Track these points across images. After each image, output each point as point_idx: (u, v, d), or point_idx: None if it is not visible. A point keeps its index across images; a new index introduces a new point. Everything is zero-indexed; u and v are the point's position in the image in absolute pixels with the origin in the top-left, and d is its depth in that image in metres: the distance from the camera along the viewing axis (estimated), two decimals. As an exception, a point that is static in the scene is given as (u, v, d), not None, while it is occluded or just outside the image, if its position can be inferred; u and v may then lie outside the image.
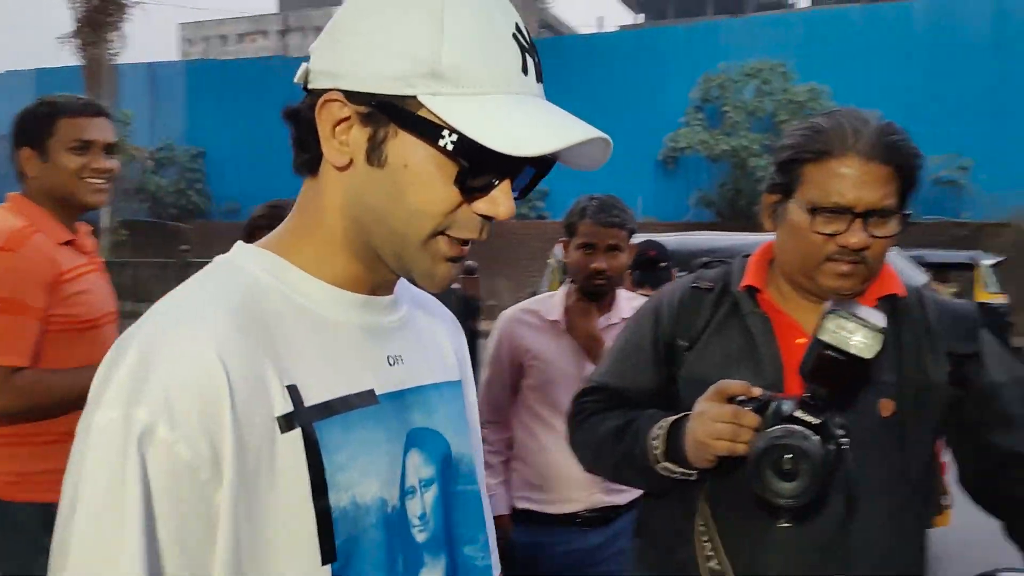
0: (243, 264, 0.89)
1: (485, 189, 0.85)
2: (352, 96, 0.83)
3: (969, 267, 12.34)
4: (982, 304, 11.87)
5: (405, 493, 0.92)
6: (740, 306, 1.52)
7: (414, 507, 0.93)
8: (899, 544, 1.42)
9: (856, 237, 1.38)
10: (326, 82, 0.85)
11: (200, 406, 0.77)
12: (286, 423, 0.82)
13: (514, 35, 0.85)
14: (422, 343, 1.01)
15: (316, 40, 0.88)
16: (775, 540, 1.39)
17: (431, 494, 0.96)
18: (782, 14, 27.45)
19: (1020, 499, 1.44)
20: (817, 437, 1.23)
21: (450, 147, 0.81)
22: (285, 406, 0.82)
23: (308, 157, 0.89)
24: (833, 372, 1.23)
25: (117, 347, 0.81)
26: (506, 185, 0.85)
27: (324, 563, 0.82)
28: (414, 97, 0.81)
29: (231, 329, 0.81)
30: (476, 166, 0.82)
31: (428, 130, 0.82)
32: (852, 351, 1.20)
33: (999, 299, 12.11)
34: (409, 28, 0.82)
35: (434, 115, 0.81)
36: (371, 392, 0.90)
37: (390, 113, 0.82)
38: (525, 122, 0.81)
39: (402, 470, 0.91)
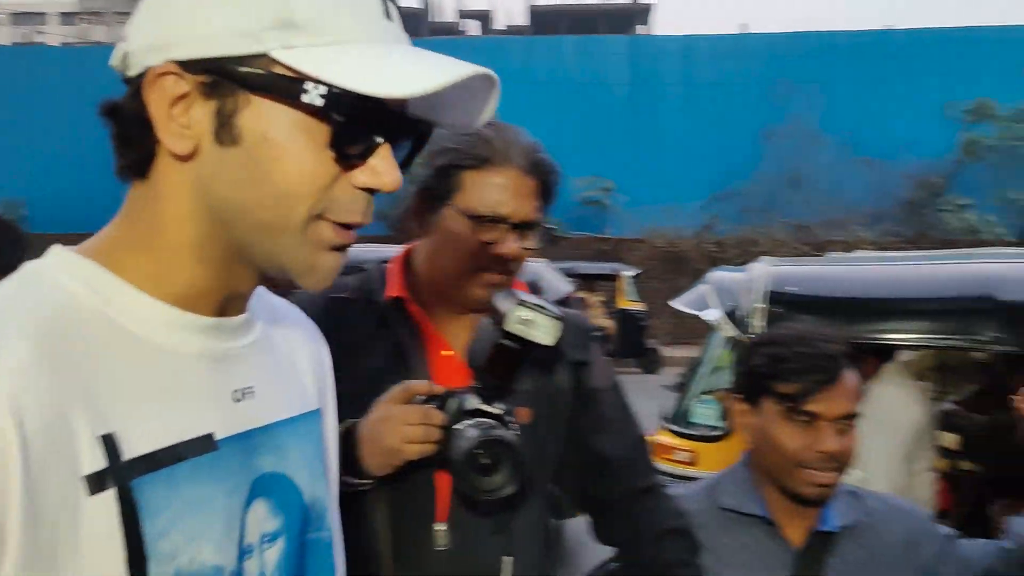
0: (57, 276, 0.71)
1: (363, 155, 0.72)
2: (188, 65, 0.68)
3: (612, 278, 13.77)
4: (624, 311, 13.39)
5: (243, 553, 0.76)
6: (387, 318, 1.44)
7: (252, 567, 0.77)
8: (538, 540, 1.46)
9: (512, 247, 1.37)
10: (153, 58, 0.69)
11: None
12: (96, 483, 0.64)
13: None
14: (278, 368, 0.85)
15: (132, 17, 0.74)
16: (435, 537, 1.36)
17: (275, 549, 0.80)
18: (452, 39, 28.54)
19: (603, 499, 1.54)
20: (506, 428, 1.23)
21: (318, 101, 0.68)
22: (96, 462, 0.65)
23: (136, 156, 0.73)
24: (509, 363, 1.24)
25: None
26: (387, 151, 0.73)
27: None
28: (264, 55, 0.68)
29: (30, 363, 0.63)
30: (351, 124, 0.69)
31: (288, 88, 0.68)
32: (536, 339, 1.21)
33: (638, 306, 13.69)
34: None
35: (292, 70, 0.68)
36: (209, 437, 0.73)
37: (237, 78, 0.68)
38: (401, 64, 0.70)
39: (241, 527, 0.75)
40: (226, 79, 0.69)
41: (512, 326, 1.21)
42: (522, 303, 1.22)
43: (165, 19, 0.70)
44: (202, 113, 0.70)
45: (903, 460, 2.92)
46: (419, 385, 1.26)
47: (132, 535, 0.66)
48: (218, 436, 0.74)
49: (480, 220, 1.36)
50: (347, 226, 0.74)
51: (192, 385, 0.74)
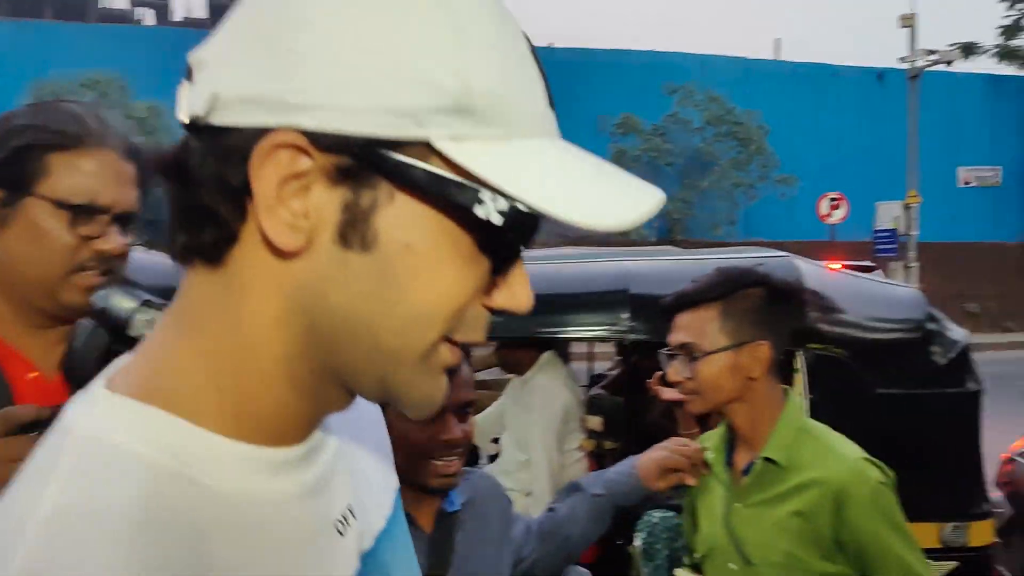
0: (128, 446, 0.52)
1: (504, 272, 0.56)
2: (318, 139, 0.50)
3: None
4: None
5: None
6: None
7: None
8: None
9: (115, 242, 1.18)
10: (266, 116, 0.50)
11: None
12: None
13: (532, 53, 0.56)
14: (358, 472, 0.68)
15: (219, 43, 0.53)
16: None
17: None
18: (127, 27, 26.37)
19: None
20: None
21: (495, 217, 0.50)
22: None
23: (210, 238, 0.53)
24: None
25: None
26: (521, 265, 0.57)
27: None
28: (424, 143, 0.51)
29: (152, 567, 0.48)
30: (510, 238, 0.53)
31: (454, 192, 0.51)
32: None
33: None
34: (423, 35, 0.51)
35: (459, 169, 0.51)
36: None
37: (385, 167, 0.50)
38: (584, 178, 0.53)
39: None
40: (369, 166, 0.50)
41: (138, 330, 1.06)
42: (147, 303, 1.08)
43: (293, 68, 0.50)
44: (326, 202, 0.51)
45: (557, 442, 3.14)
46: (23, 411, 1.01)
47: None
48: None
49: (75, 211, 1.14)
50: (468, 344, 0.58)
51: (302, 535, 0.58)
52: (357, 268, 0.52)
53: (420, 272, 0.52)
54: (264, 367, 0.54)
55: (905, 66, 18.12)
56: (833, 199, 17.09)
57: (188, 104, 0.53)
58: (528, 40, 0.56)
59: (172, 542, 0.50)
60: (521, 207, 0.50)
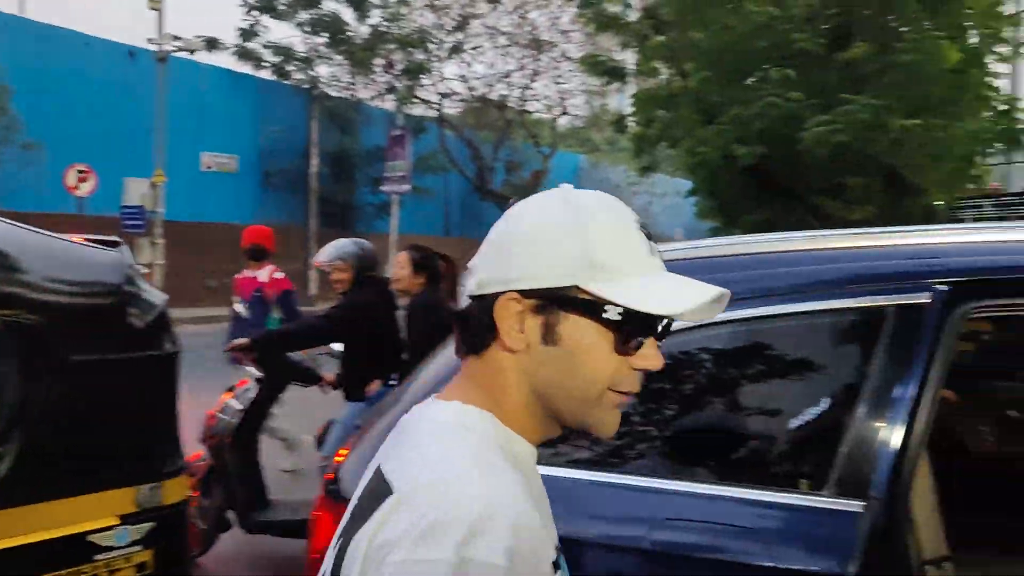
0: (483, 426, 0.97)
1: (639, 347, 0.97)
2: (525, 293, 0.96)
3: None
4: None
5: None
6: None
7: None
8: None
9: None
10: (498, 287, 0.97)
11: (533, 561, 0.85)
12: (554, 567, 0.91)
13: (639, 227, 1.00)
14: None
15: (477, 257, 1.02)
16: None
17: None
18: None
19: None
20: None
21: (615, 317, 0.94)
22: (551, 553, 0.92)
23: (478, 344, 1.00)
24: None
25: (432, 491, 0.86)
26: (653, 341, 0.98)
27: None
28: (576, 286, 0.95)
29: (523, 487, 0.91)
30: (634, 330, 0.95)
31: (594, 308, 0.95)
32: None
33: None
34: (565, 239, 0.96)
35: (596, 296, 0.94)
36: (558, 547, 0.98)
37: (559, 301, 0.95)
38: (667, 289, 0.96)
39: None
40: (551, 302, 0.95)
41: None
42: None
43: (509, 262, 0.97)
44: (533, 324, 0.96)
45: None
46: None
47: None
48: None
49: None
50: (627, 393, 0.99)
51: (547, 503, 1.04)
52: (553, 356, 0.97)
53: (586, 354, 0.96)
54: (521, 407, 0.99)
55: (153, 48, 17.99)
56: (81, 171, 16.11)
57: (468, 287, 1.01)
58: (637, 219, 1.01)
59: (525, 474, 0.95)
60: (629, 310, 0.95)
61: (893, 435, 1.58)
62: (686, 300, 0.95)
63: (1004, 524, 2.37)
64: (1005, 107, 11.81)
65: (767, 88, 10.87)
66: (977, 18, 11.24)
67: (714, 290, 0.97)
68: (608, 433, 0.99)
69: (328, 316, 4.82)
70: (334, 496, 1.95)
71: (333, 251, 4.83)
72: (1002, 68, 12.44)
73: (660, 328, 0.98)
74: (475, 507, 0.83)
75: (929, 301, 1.65)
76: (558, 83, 25.79)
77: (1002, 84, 12.45)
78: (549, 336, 0.95)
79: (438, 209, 26.77)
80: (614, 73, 14.27)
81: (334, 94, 23.88)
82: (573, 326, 0.95)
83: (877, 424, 1.61)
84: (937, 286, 1.65)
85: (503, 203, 25.37)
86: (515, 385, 0.97)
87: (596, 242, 0.95)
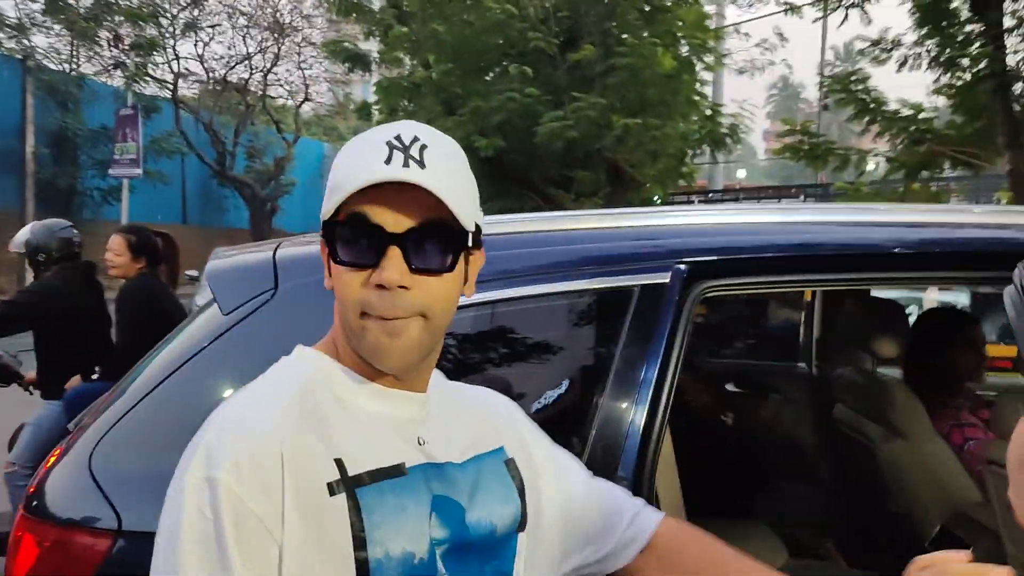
0: (301, 367, 1.03)
1: (369, 265, 0.94)
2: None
3: None
4: None
5: (433, 546, 0.97)
6: None
7: (438, 559, 0.97)
8: None
9: None
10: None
11: (260, 472, 0.89)
12: (333, 488, 0.92)
13: (387, 142, 0.94)
14: (448, 430, 1.07)
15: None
16: None
17: (447, 549, 0.99)
18: None
19: None
20: None
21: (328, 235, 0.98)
22: (332, 474, 0.93)
23: None
24: None
25: (203, 426, 0.95)
26: (394, 254, 0.92)
27: None
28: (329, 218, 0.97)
29: (287, 413, 0.95)
30: (331, 242, 0.96)
31: (325, 231, 0.98)
32: None
33: None
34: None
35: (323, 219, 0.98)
36: (401, 465, 0.98)
37: (324, 234, 0.98)
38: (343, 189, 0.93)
39: (427, 529, 0.97)
40: (323, 237, 1.00)
41: None
42: None
43: None
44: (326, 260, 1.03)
45: None
46: None
47: (356, 526, 0.92)
48: (408, 465, 0.99)
49: None
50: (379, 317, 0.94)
51: (387, 434, 1.00)
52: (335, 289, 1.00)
53: (337, 280, 0.97)
54: (341, 345, 1.04)
55: None
56: None
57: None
58: (399, 136, 0.96)
59: (308, 406, 0.97)
60: (323, 220, 0.98)
61: (639, 415, 1.55)
62: (341, 192, 0.93)
63: (727, 492, 2.50)
64: (710, 112, 12.98)
65: (506, 83, 11.11)
66: (687, 30, 12.21)
67: (375, 174, 0.92)
68: (383, 364, 0.97)
69: (10, 301, 4.26)
70: (38, 513, 1.61)
71: (21, 235, 4.30)
72: (708, 76, 13.69)
73: (361, 236, 0.94)
74: (214, 432, 0.93)
75: (669, 280, 1.64)
76: (301, 68, 24.89)
77: (707, 91, 13.67)
78: (328, 271, 0.99)
79: (175, 195, 24.83)
80: (357, 60, 13.93)
81: (53, 67, 21.26)
82: (327, 255, 0.98)
83: (623, 404, 1.57)
84: (677, 266, 1.65)
85: (244, 189, 24.09)
86: (335, 324, 1.03)
87: (334, 168, 0.97)
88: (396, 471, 0.97)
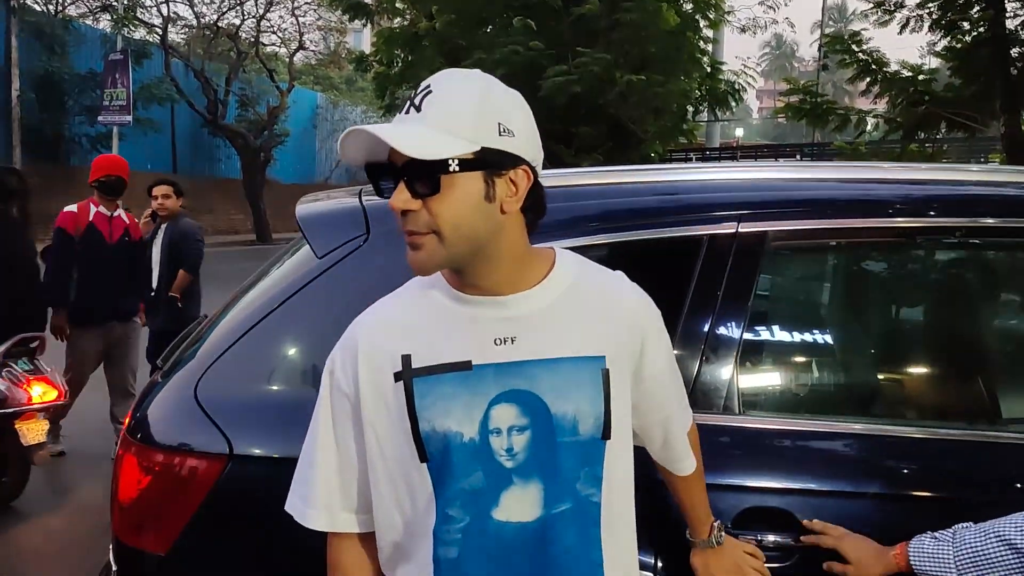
0: (413, 282, 1.28)
1: (386, 191, 1.16)
2: None
3: None
4: None
5: (489, 432, 1.17)
6: None
7: (499, 443, 1.17)
8: None
9: None
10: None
11: (348, 363, 1.23)
12: (397, 377, 1.20)
13: (409, 100, 1.16)
14: (551, 329, 1.21)
15: None
16: None
17: (522, 437, 1.17)
18: None
19: None
20: None
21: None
22: (397, 367, 1.20)
23: None
24: None
25: None
26: (401, 186, 1.13)
27: (421, 461, 1.18)
28: None
29: (376, 321, 1.25)
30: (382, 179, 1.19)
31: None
32: None
33: None
34: None
35: None
36: (468, 362, 1.18)
37: None
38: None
39: (485, 416, 1.17)
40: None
41: None
42: None
43: None
44: None
45: None
46: None
47: (411, 405, 1.18)
48: (476, 362, 1.18)
49: None
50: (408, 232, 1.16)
51: (461, 334, 1.20)
52: None
53: None
54: None
55: None
56: None
57: None
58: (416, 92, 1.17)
59: (397, 315, 1.26)
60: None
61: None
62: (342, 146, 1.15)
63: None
64: (711, 70, 12.99)
65: (509, 36, 11.06)
66: (691, -14, 12.19)
67: (360, 134, 1.11)
68: (416, 271, 1.17)
69: None
70: (144, 440, 1.72)
71: None
72: (710, 34, 13.65)
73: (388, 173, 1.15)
74: (343, 334, 1.28)
75: (734, 231, 1.76)
76: (295, 15, 24.52)
77: (709, 49, 13.66)
78: None
79: (165, 143, 24.56)
80: (357, 9, 13.78)
81: (38, 7, 20.84)
82: None
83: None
84: (742, 216, 1.76)
85: (236, 139, 23.86)
86: None
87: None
88: (461, 366, 1.17)
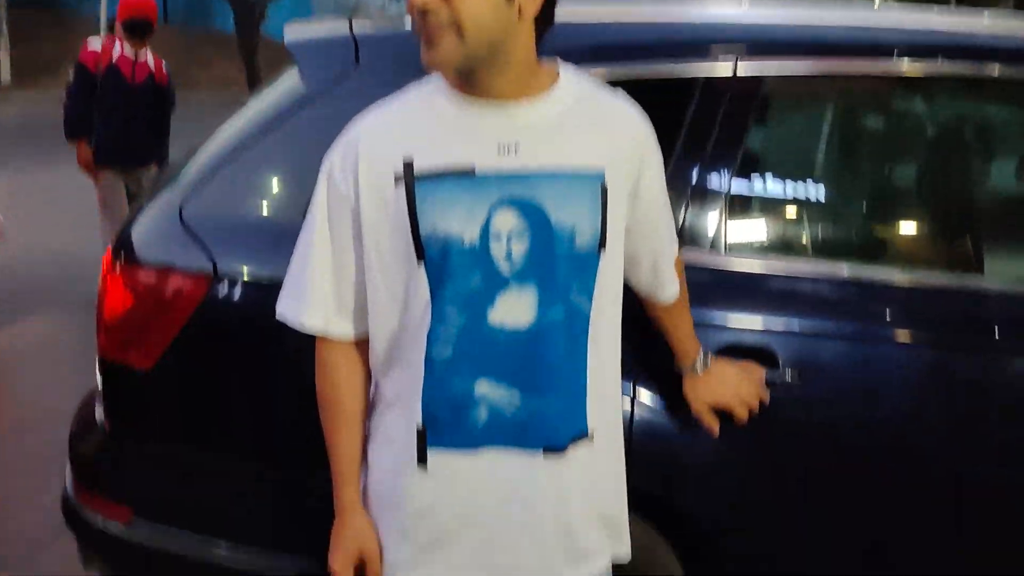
0: (416, 87, 1.26)
1: None
2: None
3: None
4: None
5: (489, 236, 1.18)
6: None
7: (498, 248, 1.18)
8: None
9: None
10: None
11: (347, 164, 1.22)
12: (397, 179, 1.19)
13: None
14: (555, 140, 1.21)
15: None
16: None
17: (521, 243, 1.19)
18: None
19: None
20: None
21: None
22: (399, 170, 1.19)
23: None
24: None
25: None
26: None
27: (419, 261, 1.19)
28: None
29: (377, 124, 1.25)
30: None
31: None
32: None
33: None
34: None
35: None
36: (471, 168, 1.18)
37: None
38: None
39: (486, 220, 1.18)
40: None
41: None
42: None
43: None
44: None
45: None
46: None
47: (411, 207, 1.18)
48: (477, 169, 1.18)
49: None
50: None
51: (464, 139, 1.19)
52: None
53: None
54: None
55: None
56: None
57: None
58: None
59: (398, 119, 1.25)
60: None
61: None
62: None
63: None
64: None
65: None
66: None
67: None
68: (427, 66, 1.17)
69: None
70: (128, 259, 1.74)
71: None
72: None
73: None
74: (341, 134, 1.26)
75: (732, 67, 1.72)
76: None
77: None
78: None
79: (155, -8, 23.52)
80: None
81: None
82: None
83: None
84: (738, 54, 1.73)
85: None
86: None
87: None
88: (463, 171, 1.18)
